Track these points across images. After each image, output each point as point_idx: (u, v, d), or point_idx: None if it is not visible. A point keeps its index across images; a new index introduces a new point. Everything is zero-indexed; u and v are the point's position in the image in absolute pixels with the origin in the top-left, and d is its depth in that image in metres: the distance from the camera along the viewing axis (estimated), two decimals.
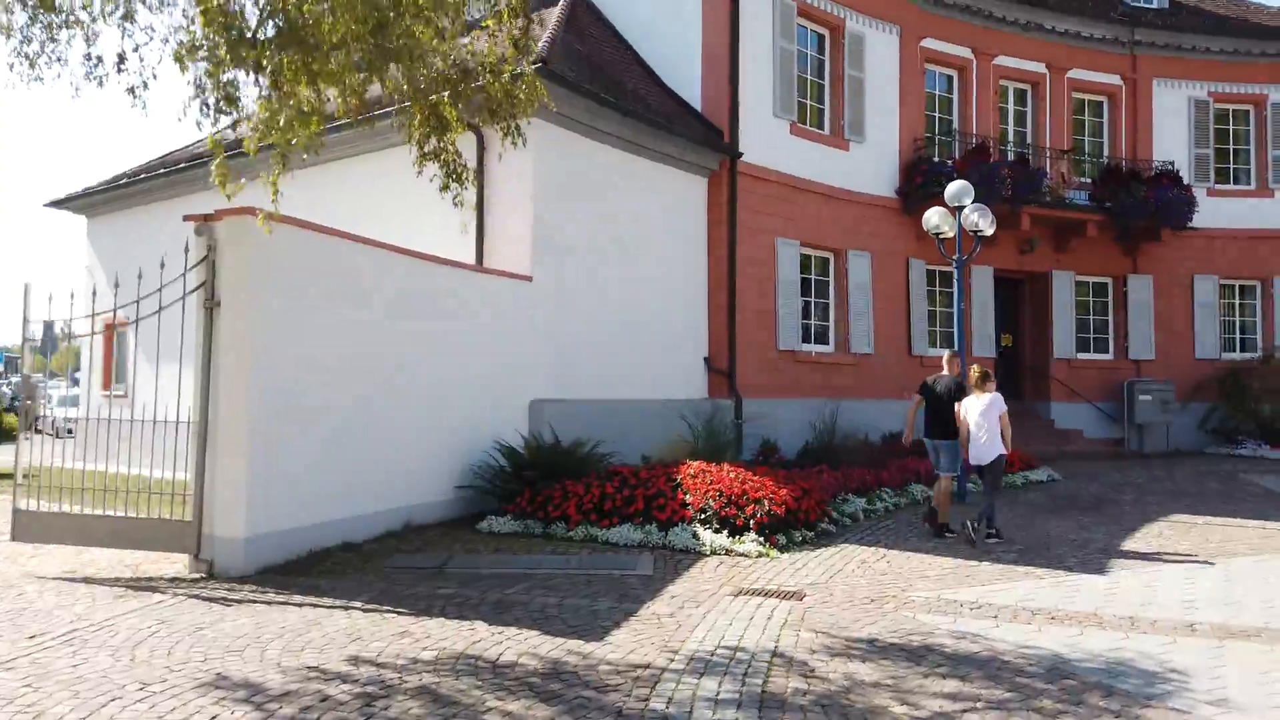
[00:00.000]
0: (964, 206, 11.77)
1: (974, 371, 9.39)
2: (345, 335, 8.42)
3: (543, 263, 11.34)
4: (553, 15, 14.27)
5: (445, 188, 7.83)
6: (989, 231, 12.01)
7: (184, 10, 6.20)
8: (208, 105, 5.69)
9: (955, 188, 11.87)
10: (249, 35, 5.72)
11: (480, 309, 10.49)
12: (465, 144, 11.48)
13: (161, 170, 16.21)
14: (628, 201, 12.88)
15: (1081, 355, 19.65)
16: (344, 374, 8.40)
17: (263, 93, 6.08)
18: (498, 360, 10.68)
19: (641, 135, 12.73)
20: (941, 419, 9.71)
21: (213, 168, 6.10)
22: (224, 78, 5.67)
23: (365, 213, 12.50)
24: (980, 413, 9.13)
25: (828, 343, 16.35)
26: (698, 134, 13.67)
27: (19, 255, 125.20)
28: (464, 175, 7.82)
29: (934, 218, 11.95)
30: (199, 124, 5.74)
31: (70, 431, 16.35)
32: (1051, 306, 19.28)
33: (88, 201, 17.59)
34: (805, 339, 15.89)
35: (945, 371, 10.07)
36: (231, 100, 6.01)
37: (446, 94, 7.40)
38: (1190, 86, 20.24)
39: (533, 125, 11.11)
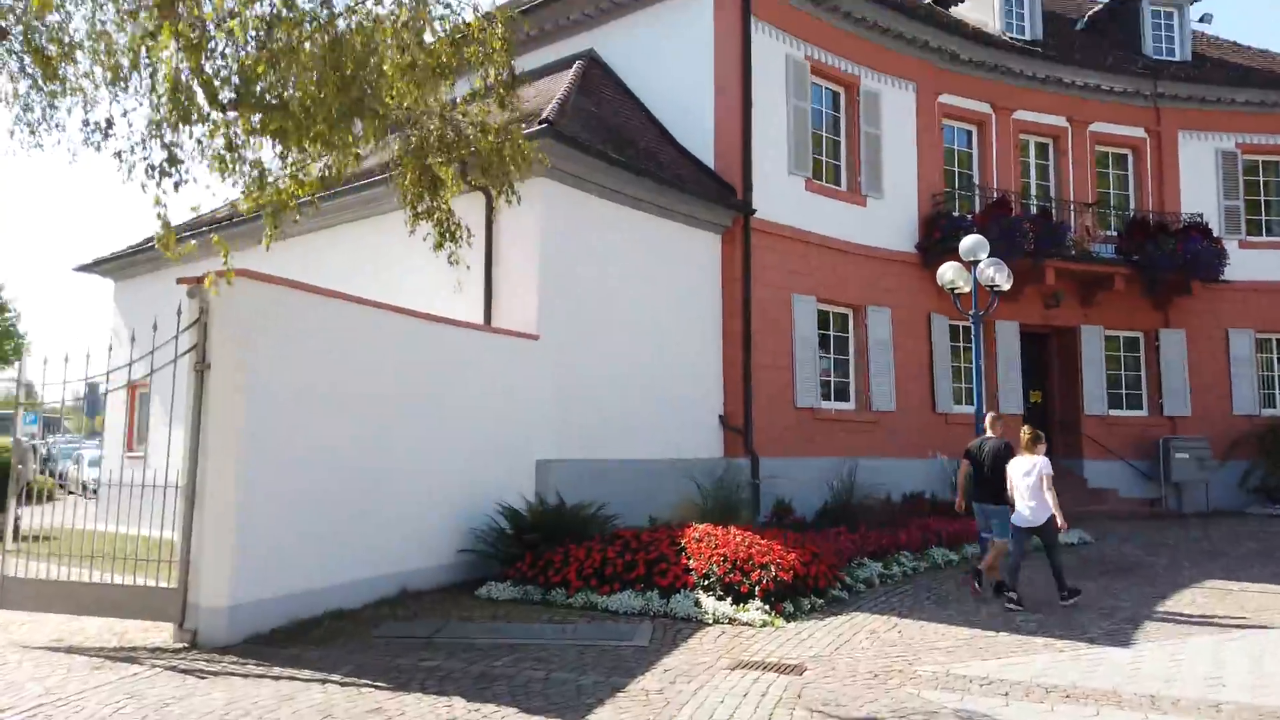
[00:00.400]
0: (979, 261, 11.50)
1: (1025, 433, 9.31)
2: (341, 396, 8.31)
3: (550, 321, 11.22)
4: (566, 77, 14.41)
5: (439, 246, 7.76)
6: (1006, 286, 11.72)
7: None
8: (153, 167, 5.65)
9: (969, 242, 11.62)
10: (206, 95, 5.69)
11: (484, 368, 10.36)
12: (473, 203, 11.56)
13: (187, 234, 16.42)
14: (639, 258, 12.77)
15: (1114, 412, 19.08)
16: (340, 436, 8.27)
17: (217, 153, 6.03)
18: (503, 419, 10.51)
19: (652, 193, 12.67)
20: (990, 482, 9.54)
21: (156, 231, 6.00)
22: (168, 138, 5.63)
23: (374, 276, 12.51)
24: (1024, 474, 9.06)
25: (848, 400, 16.02)
26: (710, 191, 13.59)
27: (52, 317, 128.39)
28: (458, 234, 7.75)
29: (949, 272, 11.70)
30: (144, 186, 5.70)
31: (95, 493, 16.41)
32: (1080, 362, 18.79)
33: (115, 265, 17.88)
34: (825, 396, 15.57)
35: (990, 434, 9.95)
36: (174, 160, 5.94)
37: (438, 156, 7.32)
38: (1217, 138, 19.92)
39: (539, 184, 11.17)
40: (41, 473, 9.80)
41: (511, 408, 10.66)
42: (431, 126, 7.29)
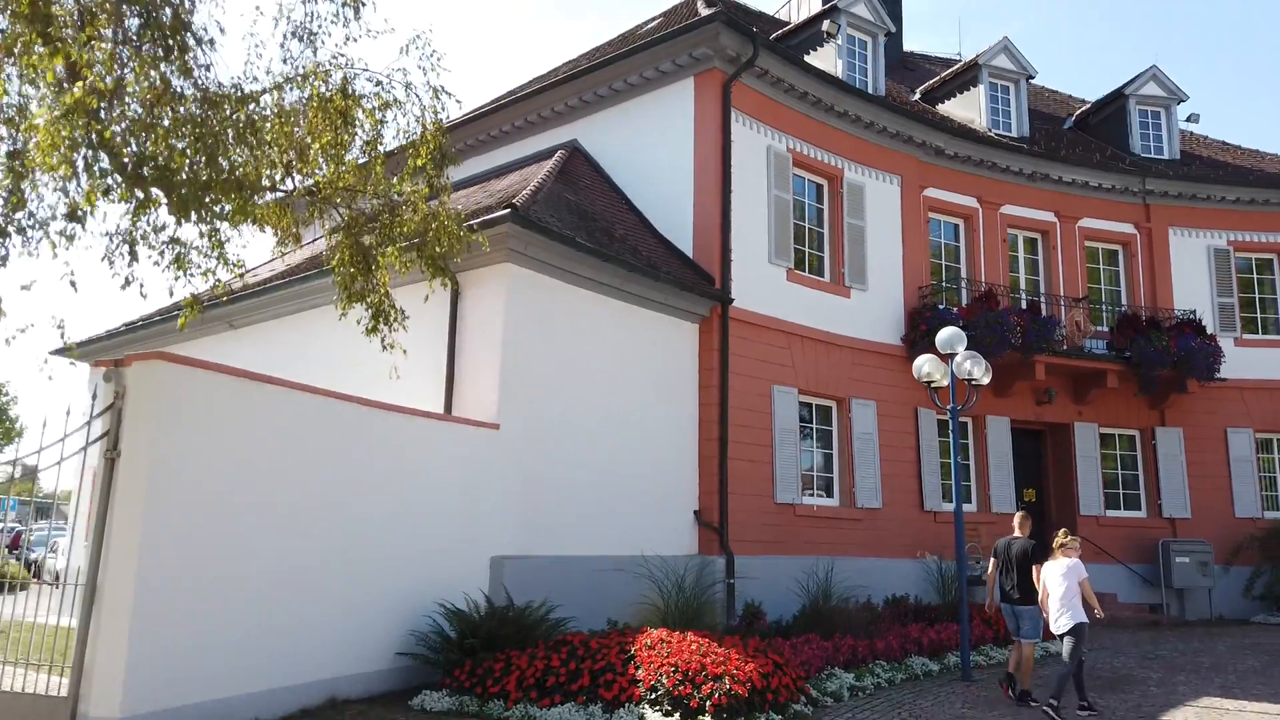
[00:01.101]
0: (956, 354, 11.05)
1: (1058, 537, 9.26)
2: (268, 487, 7.80)
3: (512, 410, 10.75)
4: (546, 165, 14.29)
5: (372, 330, 7.36)
6: (984, 380, 11.25)
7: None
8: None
9: (946, 334, 11.19)
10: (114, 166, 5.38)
11: (438, 458, 9.85)
12: (439, 289, 11.22)
13: (157, 318, 16.18)
14: (611, 347, 12.37)
15: (1111, 513, 18.34)
16: (265, 530, 7.73)
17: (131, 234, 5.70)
18: (458, 513, 9.96)
19: (623, 280, 12.33)
20: (1019, 583, 9.49)
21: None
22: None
23: (334, 365, 12.13)
24: (1061, 576, 8.93)
25: (831, 495, 15.38)
26: (686, 279, 13.25)
27: (32, 400, 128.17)
28: (393, 317, 7.34)
29: (925, 365, 11.25)
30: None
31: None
32: (1075, 460, 18.15)
33: (89, 349, 17.58)
34: (806, 491, 14.95)
35: (1017, 533, 9.93)
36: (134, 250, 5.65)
37: (370, 233, 6.99)
38: (1208, 235, 19.66)
39: (504, 269, 10.86)
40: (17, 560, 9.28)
41: (467, 500, 10.12)
42: (360, 204, 6.97)
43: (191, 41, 5.21)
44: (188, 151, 5.33)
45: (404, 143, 7.21)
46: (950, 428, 11.30)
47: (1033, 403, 17.93)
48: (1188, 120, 20.91)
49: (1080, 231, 19.03)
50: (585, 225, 12.61)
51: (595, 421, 11.91)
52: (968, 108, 19.26)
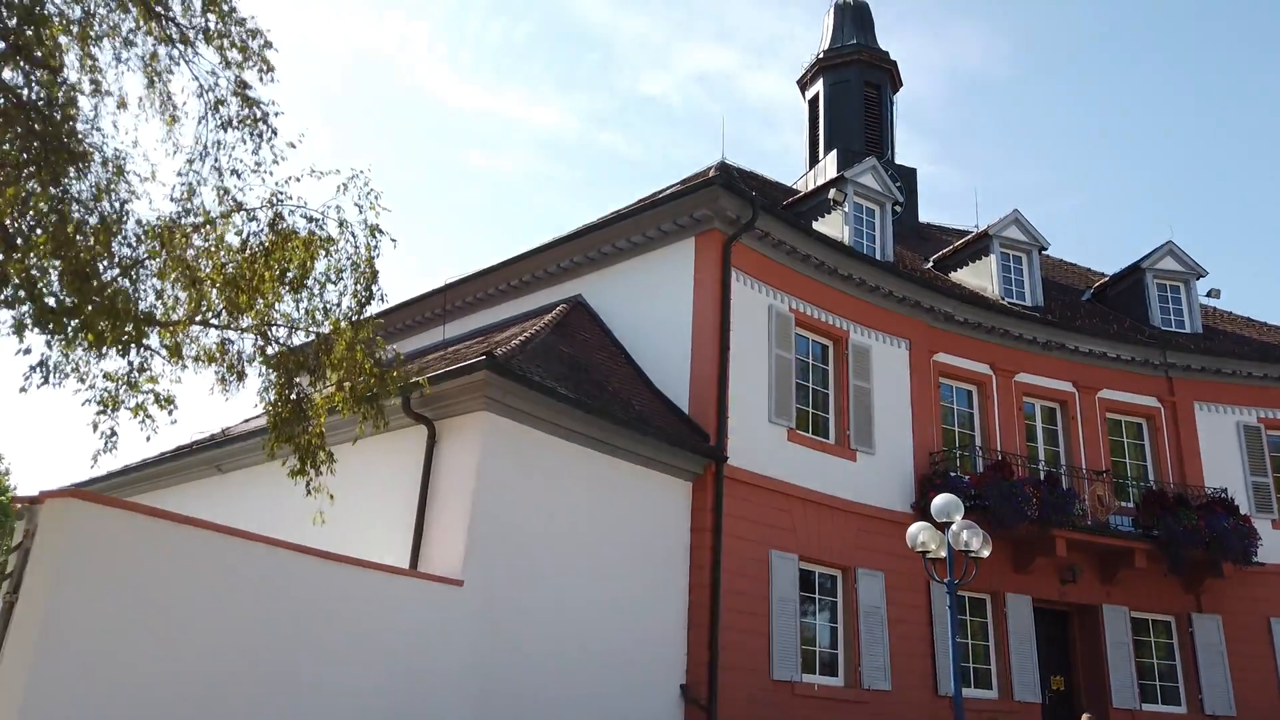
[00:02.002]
0: (951, 523, 10.26)
1: None
2: (188, 650, 7.15)
3: (479, 566, 10.08)
4: (546, 318, 14.17)
5: (299, 472, 6.89)
6: (984, 552, 10.41)
7: None
8: None
9: (942, 501, 10.46)
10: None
11: (394, 618, 9.15)
12: (416, 436, 10.84)
13: (151, 461, 15.95)
14: (595, 502, 11.75)
15: (1147, 707, 16.69)
16: (178, 703, 7.02)
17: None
18: (407, 678, 9.15)
19: (611, 434, 11.85)
20: None
21: None
22: None
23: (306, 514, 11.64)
24: None
25: (835, 674, 14.17)
26: (678, 435, 12.74)
27: None
28: (319, 461, 6.88)
29: (920, 534, 10.45)
30: None
31: None
32: (1105, 646, 16.70)
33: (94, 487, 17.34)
34: (807, 669, 13.79)
35: None
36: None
37: (301, 371, 6.64)
38: (1237, 412, 18.80)
39: (479, 418, 10.45)
40: None
41: (421, 664, 9.32)
42: (285, 338, 6.67)
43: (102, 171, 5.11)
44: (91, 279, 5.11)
45: (335, 280, 6.97)
46: (948, 603, 10.37)
47: (1056, 581, 16.70)
48: (1208, 295, 20.48)
49: (1101, 403, 18.31)
50: (575, 377, 12.28)
51: (573, 582, 11.16)
52: (980, 276, 19.04)
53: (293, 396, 6.80)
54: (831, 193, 17.21)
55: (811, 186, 22.03)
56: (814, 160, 24.10)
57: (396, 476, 10.79)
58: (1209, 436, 18.50)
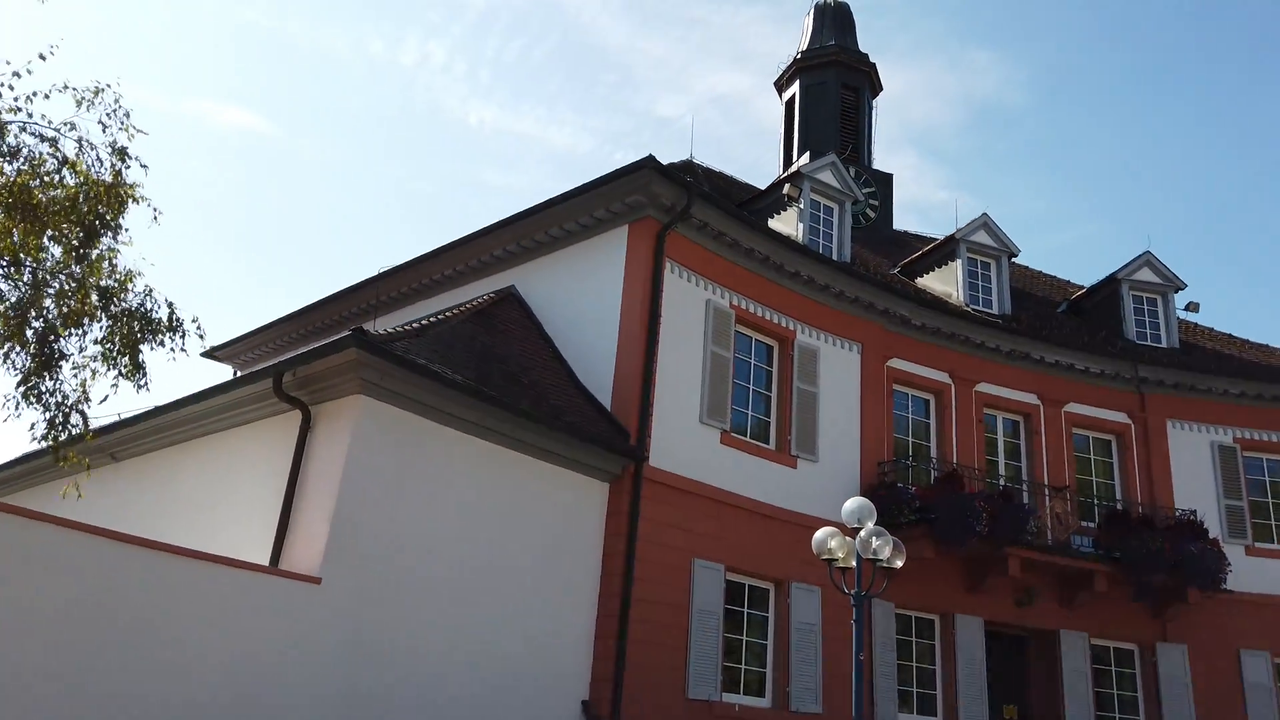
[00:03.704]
0: (860, 529, 9.28)
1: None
2: (11, 643, 6.26)
3: (342, 563, 9.14)
4: (465, 306, 13.32)
5: (46, 437, 5.99)
6: (896, 564, 9.41)
7: None
8: None
9: (852, 505, 9.49)
10: None
11: (252, 619, 8.25)
12: (290, 422, 9.96)
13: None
14: (495, 500, 10.80)
15: None
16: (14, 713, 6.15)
17: None
18: (255, 687, 8.22)
19: (514, 427, 10.91)
20: None
21: None
22: None
23: (194, 506, 10.80)
24: None
25: (762, 695, 13.14)
26: (595, 434, 11.80)
27: None
28: (66, 423, 5.99)
29: (828, 539, 9.46)
30: None
31: None
32: (1061, 674, 15.59)
33: None
34: (731, 688, 12.78)
35: None
36: None
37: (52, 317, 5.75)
38: (1212, 431, 17.70)
39: (354, 401, 9.54)
40: None
41: (276, 668, 8.39)
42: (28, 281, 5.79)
43: None
44: None
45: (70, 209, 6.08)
46: (855, 616, 9.37)
47: (1012, 603, 15.62)
48: (1186, 308, 19.39)
49: (1067, 417, 17.25)
50: (484, 367, 11.38)
51: (461, 585, 10.20)
52: (946, 282, 18.05)
53: (43, 351, 5.93)
54: (786, 188, 16.30)
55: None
56: (788, 163, 23.18)
57: (268, 466, 9.91)
58: (1181, 456, 17.40)
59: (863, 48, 24.31)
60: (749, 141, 68.80)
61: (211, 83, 49.97)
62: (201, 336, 6.97)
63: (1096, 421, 17.41)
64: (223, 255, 51.48)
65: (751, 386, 14.45)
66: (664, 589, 12.17)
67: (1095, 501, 16.78)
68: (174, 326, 6.31)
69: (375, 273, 16.20)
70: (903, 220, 22.38)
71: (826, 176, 16.71)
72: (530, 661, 10.80)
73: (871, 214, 22.18)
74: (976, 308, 17.54)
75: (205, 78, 49.57)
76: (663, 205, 13.19)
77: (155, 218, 6.41)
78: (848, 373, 15.37)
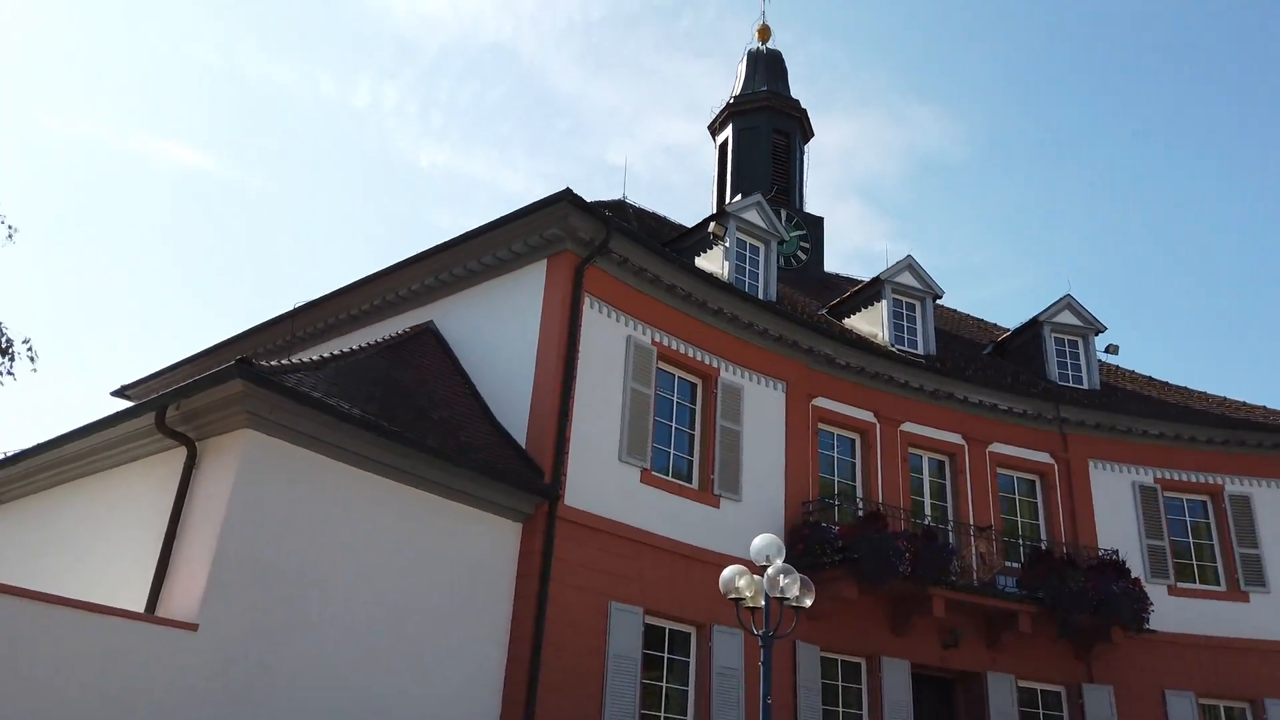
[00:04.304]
0: (768, 567, 8.97)
1: None
2: None
3: (222, 609, 8.53)
4: (378, 341, 12.87)
5: None
6: (805, 602, 9.12)
7: None
8: None
9: (761, 543, 9.19)
10: None
11: (110, 668, 7.65)
12: (175, 459, 9.39)
13: None
14: (396, 541, 10.27)
15: None
16: None
17: None
18: None
19: (418, 464, 10.45)
20: None
21: None
22: None
23: (76, 550, 10.10)
24: None
25: None
26: (506, 471, 11.36)
27: None
28: None
29: (735, 577, 9.11)
30: None
31: None
32: (989, 717, 15.34)
33: None
34: None
35: None
36: None
37: None
38: (1133, 471, 17.82)
39: (241, 436, 9.02)
40: None
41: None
42: None
43: None
44: None
45: None
46: (763, 657, 9.01)
47: (938, 645, 15.39)
48: (1106, 350, 19.64)
49: (992, 457, 17.24)
50: (390, 402, 10.93)
51: (357, 630, 9.63)
52: (871, 323, 18.06)
53: None
54: (712, 226, 16.22)
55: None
56: (720, 205, 23.26)
57: (151, 505, 9.31)
58: (1104, 496, 17.47)
59: (805, 99, 24.72)
60: (696, 188, 69.63)
61: (157, 119, 49.08)
62: (33, 359, 6.49)
63: (1020, 461, 17.43)
64: (163, 293, 50.11)
65: (674, 424, 14.17)
66: (579, 633, 11.69)
67: (1020, 541, 16.72)
68: (3, 350, 5.84)
69: (292, 307, 15.64)
70: (847, 267, 22.50)
71: (752, 216, 16.69)
72: (435, 710, 10.21)
73: (803, 256, 22.27)
74: (901, 348, 17.56)
75: (151, 114, 48.68)
76: (581, 239, 12.96)
77: (10, 235, 5.95)
78: (772, 411, 15.19)
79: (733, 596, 9.04)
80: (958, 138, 57.26)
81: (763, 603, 9.07)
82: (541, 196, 12.72)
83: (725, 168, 23.81)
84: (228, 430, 9.05)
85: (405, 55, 58.68)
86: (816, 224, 23.12)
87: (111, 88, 48.13)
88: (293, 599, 9.06)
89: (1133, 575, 15.98)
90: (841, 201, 56.67)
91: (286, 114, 54.63)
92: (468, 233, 13.47)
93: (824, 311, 18.69)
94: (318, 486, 9.54)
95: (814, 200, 59.32)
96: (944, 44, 54.14)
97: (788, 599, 8.83)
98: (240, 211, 52.40)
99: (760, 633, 8.99)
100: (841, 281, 22.97)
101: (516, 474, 11.43)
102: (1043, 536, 16.96)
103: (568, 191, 12.48)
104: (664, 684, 12.71)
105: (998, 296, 56.27)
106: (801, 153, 24.25)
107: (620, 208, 18.95)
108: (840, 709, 14.46)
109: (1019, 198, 54.62)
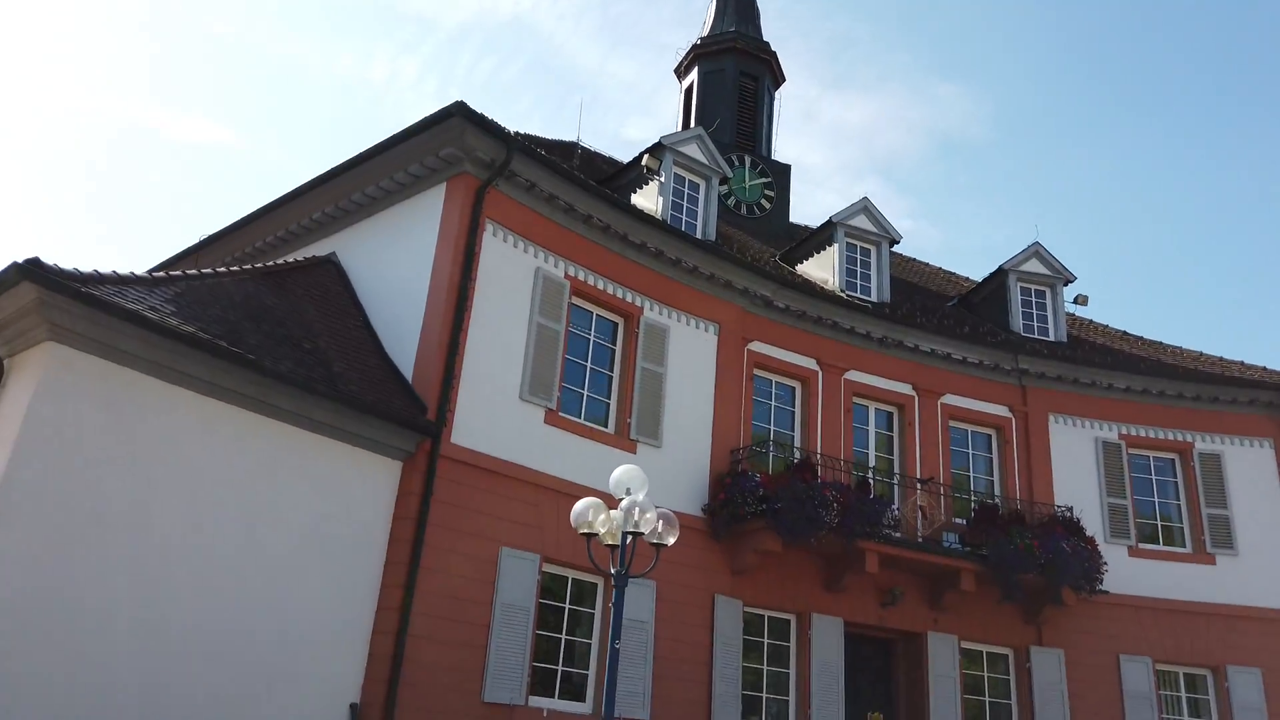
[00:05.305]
0: (626, 500, 7.93)
1: None
2: None
3: (6, 542, 7.59)
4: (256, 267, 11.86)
5: None
6: (668, 540, 8.09)
7: None
8: None
9: (620, 473, 8.16)
10: None
11: None
12: None
13: None
14: (243, 478, 9.30)
15: None
16: None
17: None
18: None
19: (267, 392, 9.44)
20: None
21: None
22: None
23: None
24: None
25: (582, 699, 11.71)
26: (378, 405, 10.35)
27: None
28: None
29: (588, 510, 8.07)
30: None
31: None
32: (928, 681, 14.33)
33: None
34: (544, 691, 11.35)
35: None
36: None
37: None
38: (1096, 426, 16.61)
39: (45, 350, 8.05)
40: None
41: None
42: None
43: None
44: None
45: None
46: (615, 598, 8.01)
47: (877, 604, 14.36)
48: (1074, 301, 18.35)
49: (944, 409, 16.07)
50: (247, 326, 9.92)
51: (191, 571, 8.70)
52: (823, 268, 16.86)
53: None
54: (645, 159, 15.04)
55: None
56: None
57: None
58: (1064, 452, 16.29)
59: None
60: None
61: (176, 93, 48.00)
62: None
63: (975, 414, 16.26)
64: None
65: (590, 365, 13.11)
66: (462, 581, 10.74)
67: (972, 498, 15.58)
68: None
69: (197, 240, 14.66)
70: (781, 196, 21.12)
71: (692, 150, 15.50)
72: (286, 660, 9.31)
73: (767, 205, 21.03)
74: (852, 294, 16.37)
75: (169, 88, 47.60)
76: (481, 160, 11.84)
77: None
78: (701, 355, 14.09)
79: (584, 531, 8.00)
80: (980, 117, 55.30)
81: (620, 541, 8.01)
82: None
83: (690, 112, 22.50)
84: (33, 345, 8.09)
85: (424, 29, 57.16)
86: (783, 172, 21.81)
87: (130, 62, 47.05)
88: (102, 537, 8.10)
89: (1088, 535, 14.83)
90: (861, 180, 55.06)
91: (305, 88, 53.46)
92: (362, 153, 12.39)
93: (777, 257, 17.51)
94: (143, 412, 8.57)
95: (832, 179, 57.92)
96: (966, 21, 52.08)
97: (641, 533, 7.79)
98: (258, 184, 51.45)
99: (615, 570, 7.96)
100: (805, 232, 21.72)
101: (392, 408, 10.42)
102: (997, 493, 15.82)
103: (460, 105, 11.36)
104: (563, 636, 11.75)
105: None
106: (771, 98, 22.89)
107: (571, 149, 17.82)
108: (765, 667, 13.48)
109: (1038, 176, 52.69)
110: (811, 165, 56.51)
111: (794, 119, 52.90)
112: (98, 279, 8.38)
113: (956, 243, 55.06)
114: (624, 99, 60.24)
